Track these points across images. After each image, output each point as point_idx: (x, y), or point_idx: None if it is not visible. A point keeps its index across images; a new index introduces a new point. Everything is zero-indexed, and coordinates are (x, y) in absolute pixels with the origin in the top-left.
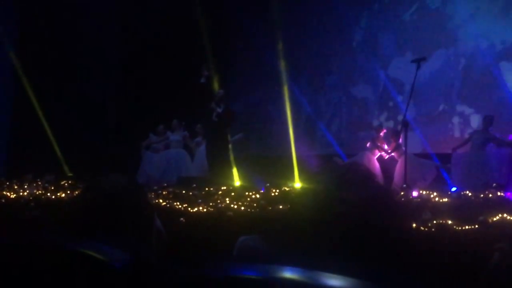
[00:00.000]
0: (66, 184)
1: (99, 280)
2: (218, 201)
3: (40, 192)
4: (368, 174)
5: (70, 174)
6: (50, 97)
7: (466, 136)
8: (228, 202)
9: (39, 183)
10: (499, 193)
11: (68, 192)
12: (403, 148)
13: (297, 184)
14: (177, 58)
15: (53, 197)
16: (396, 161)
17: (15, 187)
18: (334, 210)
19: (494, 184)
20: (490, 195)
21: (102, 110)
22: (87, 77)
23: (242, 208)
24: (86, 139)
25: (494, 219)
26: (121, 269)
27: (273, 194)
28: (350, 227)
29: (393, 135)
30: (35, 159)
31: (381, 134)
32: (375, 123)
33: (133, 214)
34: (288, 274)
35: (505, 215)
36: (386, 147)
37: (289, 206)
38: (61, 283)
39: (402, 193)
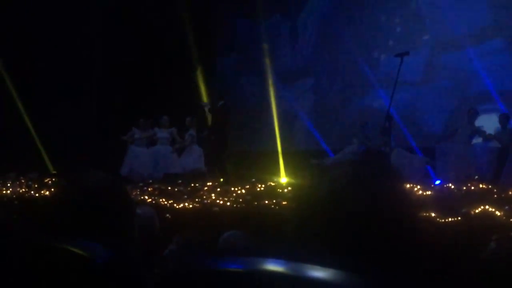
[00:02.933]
0: (49, 182)
1: (80, 276)
2: (204, 197)
3: (23, 190)
4: (384, 168)
5: (53, 172)
6: (32, 94)
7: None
8: (213, 197)
9: (23, 181)
10: (480, 186)
11: (52, 189)
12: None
13: (283, 179)
14: (161, 51)
15: (37, 195)
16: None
17: None
18: (348, 208)
19: (476, 177)
20: (472, 188)
21: (84, 106)
22: (70, 72)
23: (228, 203)
24: (69, 136)
25: (476, 211)
26: (103, 265)
27: (258, 189)
28: (363, 223)
29: (382, 131)
30: (18, 157)
31: (366, 131)
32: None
33: (114, 211)
34: (273, 266)
35: (486, 207)
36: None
37: (296, 202)
38: (43, 280)
39: None
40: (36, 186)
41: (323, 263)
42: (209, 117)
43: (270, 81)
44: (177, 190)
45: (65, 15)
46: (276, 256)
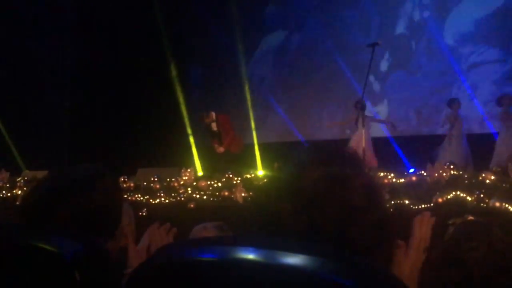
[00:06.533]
0: (22, 181)
1: (47, 273)
2: (180, 191)
3: None
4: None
5: (26, 171)
6: (3, 92)
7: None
8: (190, 192)
9: None
10: (452, 172)
11: (25, 189)
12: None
13: (260, 171)
14: (135, 48)
15: (9, 194)
16: None
17: None
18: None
19: (447, 163)
20: (444, 174)
21: (58, 105)
22: (41, 69)
23: (205, 197)
24: (42, 135)
25: (448, 197)
26: (72, 260)
27: (234, 182)
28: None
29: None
30: None
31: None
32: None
33: (97, 203)
34: (246, 254)
35: (458, 192)
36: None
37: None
38: (7, 277)
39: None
40: (8, 185)
41: (296, 250)
42: None
43: (245, 73)
44: (153, 186)
45: (35, 12)
46: (249, 244)
